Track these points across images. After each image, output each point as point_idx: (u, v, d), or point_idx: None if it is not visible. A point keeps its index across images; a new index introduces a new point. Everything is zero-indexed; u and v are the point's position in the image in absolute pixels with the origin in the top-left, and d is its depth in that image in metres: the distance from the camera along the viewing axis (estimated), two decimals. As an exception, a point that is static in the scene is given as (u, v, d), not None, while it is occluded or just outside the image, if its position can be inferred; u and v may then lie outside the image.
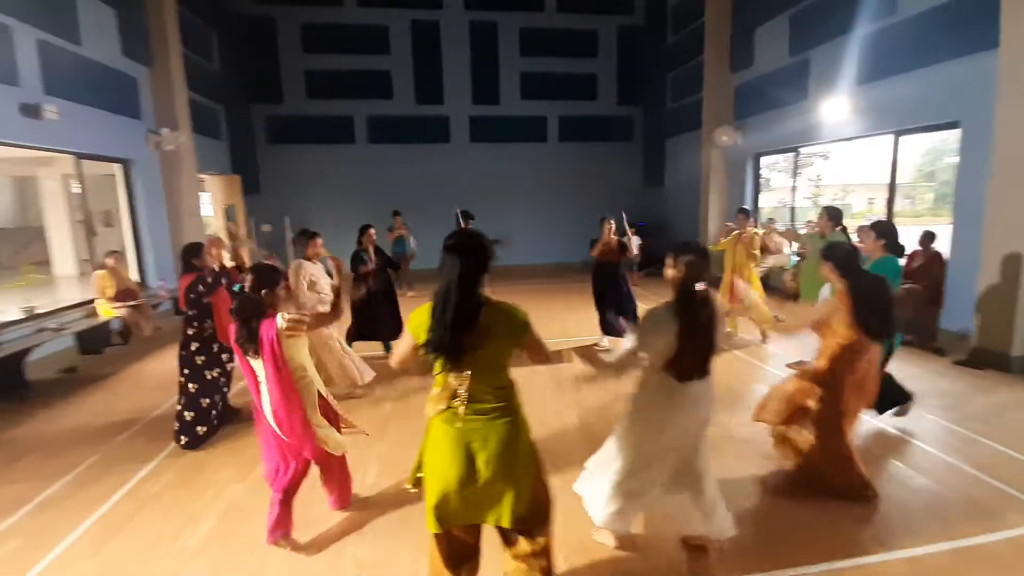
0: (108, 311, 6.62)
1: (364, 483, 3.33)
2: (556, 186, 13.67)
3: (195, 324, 3.97)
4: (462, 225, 7.46)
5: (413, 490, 2.14)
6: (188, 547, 2.77)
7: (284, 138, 12.55)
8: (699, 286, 2.17)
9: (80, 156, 7.10)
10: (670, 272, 2.27)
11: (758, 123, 9.39)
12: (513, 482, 1.89)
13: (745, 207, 6.30)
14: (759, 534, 2.71)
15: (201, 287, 3.90)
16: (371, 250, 5.69)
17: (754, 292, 6.04)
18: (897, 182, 7.05)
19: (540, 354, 1.99)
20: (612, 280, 5.88)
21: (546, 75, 13.28)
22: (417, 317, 1.91)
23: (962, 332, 5.59)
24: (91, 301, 6.94)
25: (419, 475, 2.09)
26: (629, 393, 2.48)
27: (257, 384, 2.59)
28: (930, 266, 6.07)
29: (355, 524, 2.91)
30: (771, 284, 8.92)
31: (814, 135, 8.13)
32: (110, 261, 6.72)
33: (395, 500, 3.12)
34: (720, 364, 5.65)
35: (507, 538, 2.04)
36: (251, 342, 2.49)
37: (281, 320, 2.51)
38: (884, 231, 3.58)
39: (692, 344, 2.17)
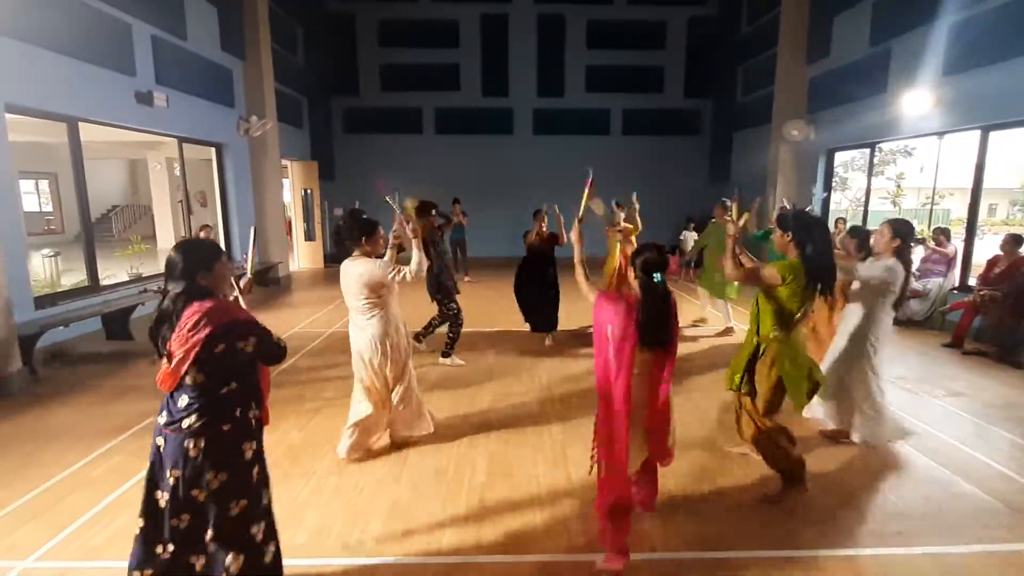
0: (199, 278, 7.47)
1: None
2: (618, 179, 13.54)
3: (213, 405, 1.82)
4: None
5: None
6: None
7: (359, 128, 13.33)
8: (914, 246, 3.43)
9: (182, 140, 7.99)
10: (887, 242, 3.31)
11: (832, 117, 8.95)
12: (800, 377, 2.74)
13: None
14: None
15: (238, 342, 1.82)
16: None
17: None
18: (1006, 186, 6.57)
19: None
20: (540, 271, 6.09)
21: (612, 68, 13.24)
22: (791, 270, 2.64)
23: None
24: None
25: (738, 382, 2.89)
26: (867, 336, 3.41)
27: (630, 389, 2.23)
28: (1013, 271, 5.63)
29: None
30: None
31: (893, 130, 7.67)
32: (203, 233, 7.59)
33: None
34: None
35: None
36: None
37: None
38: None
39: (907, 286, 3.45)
